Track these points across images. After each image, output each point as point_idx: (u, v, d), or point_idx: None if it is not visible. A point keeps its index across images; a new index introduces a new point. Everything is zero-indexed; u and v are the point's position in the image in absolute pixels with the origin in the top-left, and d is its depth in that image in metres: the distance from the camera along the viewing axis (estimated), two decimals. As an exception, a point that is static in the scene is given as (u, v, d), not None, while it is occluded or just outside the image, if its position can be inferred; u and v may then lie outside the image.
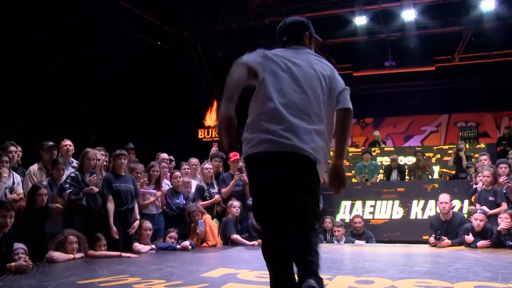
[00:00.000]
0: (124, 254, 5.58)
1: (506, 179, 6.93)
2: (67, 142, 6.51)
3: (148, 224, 6.21)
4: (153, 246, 6.20)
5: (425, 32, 13.33)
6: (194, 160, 7.87)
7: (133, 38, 12.94)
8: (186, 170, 7.63)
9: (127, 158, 6.44)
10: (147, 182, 6.66)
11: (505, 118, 15.80)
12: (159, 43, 14.13)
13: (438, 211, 7.13)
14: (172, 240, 6.43)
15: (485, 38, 13.45)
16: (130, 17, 12.59)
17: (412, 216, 8.78)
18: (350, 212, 8.94)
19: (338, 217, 8.85)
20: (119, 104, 13.29)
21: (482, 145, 11.55)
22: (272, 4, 14.36)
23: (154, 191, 6.66)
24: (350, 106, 2.81)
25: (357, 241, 7.64)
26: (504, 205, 6.84)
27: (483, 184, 7.15)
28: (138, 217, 6.22)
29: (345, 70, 15.24)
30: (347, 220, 8.70)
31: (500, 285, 3.83)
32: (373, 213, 8.89)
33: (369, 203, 8.97)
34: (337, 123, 2.82)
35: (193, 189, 7.38)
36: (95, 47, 11.86)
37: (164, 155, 7.74)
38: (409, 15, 12.50)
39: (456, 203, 8.28)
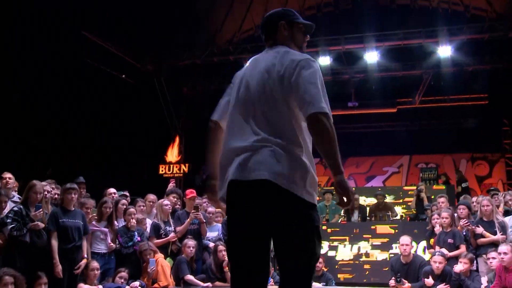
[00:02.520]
0: (66, 296, 5.20)
1: (466, 222, 6.91)
2: (7, 175, 6.17)
3: (95, 264, 5.85)
4: (100, 287, 5.83)
5: (387, 74, 13.65)
6: (151, 197, 7.57)
7: (96, 70, 12.72)
8: (142, 207, 7.32)
9: (77, 192, 6.11)
10: (95, 218, 6.33)
11: (463, 160, 16.13)
12: (123, 76, 13.94)
13: (399, 253, 7.03)
14: (122, 281, 6.06)
15: (443, 82, 13.86)
16: (94, 48, 12.41)
17: (373, 258, 8.65)
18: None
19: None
20: (79, 137, 12.92)
21: (443, 187, 11.65)
22: (237, 41, 14.50)
23: (105, 229, 6.33)
24: (316, 110, 2.29)
25: (315, 284, 7.38)
26: (463, 248, 6.80)
27: (440, 226, 7.13)
28: (85, 256, 5.85)
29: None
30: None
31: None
32: (335, 255, 8.72)
33: (328, 243, 8.81)
34: (313, 137, 2.39)
35: (148, 227, 7.07)
36: (57, 78, 11.58)
37: (112, 190, 7.41)
38: (372, 57, 12.78)
39: (416, 245, 8.20)
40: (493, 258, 6.27)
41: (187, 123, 15.09)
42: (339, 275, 8.46)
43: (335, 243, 8.80)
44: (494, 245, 6.40)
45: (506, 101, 14.49)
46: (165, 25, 12.73)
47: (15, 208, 5.49)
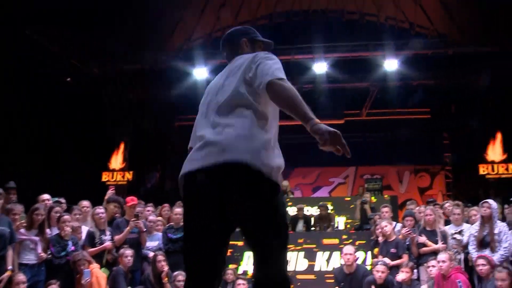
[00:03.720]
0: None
1: (408, 231, 7.00)
2: None
3: (21, 277, 5.41)
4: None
5: (336, 85, 13.80)
6: (85, 203, 7.16)
7: (38, 71, 12.14)
8: (78, 215, 6.92)
9: (2, 197, 5.69)
10: (24, 225, 5.91)
11: (406, 172, 16.53)
12: (68, 79, 13.40)
13: (343, 262, 7.00)
14: (52, 294, 5.67)
15: (389, 95, 14.19)
16: (37, 48, 11.84)
17: (317, 268, 8.57)
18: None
19: (241, 269, 8.44)
20: (18, 141, 12.25)
21: (386, 196, 11.82)
22: (187, 49, 14.31)
23: (35, 237, 5.92)
24: (271, 78, 2.34)
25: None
26: (406, 257, 6.86)
27: (383, 236, 7.17)
28: (10, 267, 5.43)
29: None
30: (250, 272, 8.31)
31: None
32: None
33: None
34: (275, 103, 2.43)
35: (83, 235, 6.69)
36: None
37: (45, 196, 6.97)
38: (320, 67, 12.88)
39: (361, 254, 8.20)
40: (433, 266, 6.36)
41: (133, 130, 14.68)
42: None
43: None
44: (436, 254, 6.48)
45: (447, 115, 15.00)
46: (112, 28, 12.36)
47: None
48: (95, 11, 11.57)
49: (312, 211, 11.04)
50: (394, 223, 7.76)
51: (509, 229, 6.53)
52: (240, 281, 7.30)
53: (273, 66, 2.41)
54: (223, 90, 2.50)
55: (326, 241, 8.47)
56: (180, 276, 6.55)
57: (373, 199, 10.89)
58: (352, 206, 10.89)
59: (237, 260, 8.44)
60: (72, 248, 6.20)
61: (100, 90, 13.75)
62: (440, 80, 14.05)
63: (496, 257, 6.23)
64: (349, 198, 11.94)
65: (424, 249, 6.84)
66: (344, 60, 13.18)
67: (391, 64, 12.97)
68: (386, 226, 7.10)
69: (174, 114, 15.87)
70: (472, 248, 6.58)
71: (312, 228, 9.80)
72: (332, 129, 2.27)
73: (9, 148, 11.78)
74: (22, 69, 11.42)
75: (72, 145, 12.97)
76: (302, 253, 8.64)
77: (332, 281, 6.99)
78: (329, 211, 10.11)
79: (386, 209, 8.14)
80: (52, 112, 12.27)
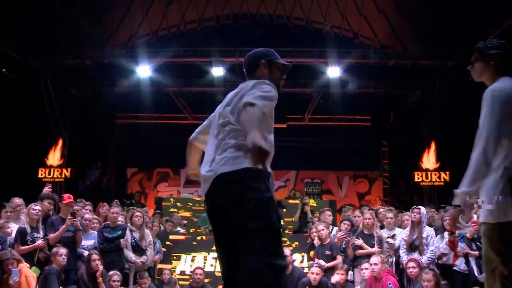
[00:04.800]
0: None
1: (343, 235, 7.21)
2: None
3: None
4: None
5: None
6: (17, 200, 6.88)
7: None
8: (8, 212, 6.63)
9: None
10: None
11: (346, 177, 16.99)
12: (3, 70, 12.79)
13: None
14: (-24, 294, 5.42)
15: (331, 102, 14.53)
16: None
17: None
18: (192, 265, 8.54)
19: (178, 269, 8.40)
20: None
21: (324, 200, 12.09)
22: (132, 46, 14.06)
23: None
24: (246, 100, 2.55)
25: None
26: (340, 258, 7.05)
27: (319, 239, 7.35)
28: None
29: (201, 120, 15.19)
30: (187, 272, 8.28)
31: None
32: (215, 265, 8.57)
33: (212, 254, 8.67)
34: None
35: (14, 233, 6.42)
36: None
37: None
38: (264, 72, 12.99)
39: (298, 257, 8.34)
40: (366, 268, 6.59)
41: (72, 126, 14.23)
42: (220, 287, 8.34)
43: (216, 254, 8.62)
44: (370, 257, 6.70)
45: (386, 124, 15.54)
46: (54, 21, 11.94)
47: None
48: (39, 2, 11.16)
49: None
50: (331, 226, 7.97)
51: (436, 234, 6.87)
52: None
53: (256, 93, 2.64)
54: (218, 131, 2.83)
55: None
56: (116, 276, 6.45)
57: (313, 202, 11.14)
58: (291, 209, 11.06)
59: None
60: None
61: (39, 84, 13.22)
62: (380, 89, 14.54)
63: (423, 260, 6.54)
64: (290, 201, 12.11)
65: (360, 251, 7.05)
66: (289, 64, 13.35)
67: (333, 71, 13.30)
68: (323, 229, 7.28)
69: (115, 111, 15.55)
70: (402, 252, 6.88)
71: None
72: (260, 145, 2.38)
73: None
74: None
75: (8, 139, 12.44)
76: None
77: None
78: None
79: (328, 212, 8.36)
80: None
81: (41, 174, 13.37)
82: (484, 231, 3.09)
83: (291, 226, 10.93)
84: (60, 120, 13.93)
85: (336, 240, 7.47)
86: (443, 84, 13.03)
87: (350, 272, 7.11)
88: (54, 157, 13.47)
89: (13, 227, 6.46)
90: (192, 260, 8.57)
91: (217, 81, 13.27)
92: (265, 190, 2.56)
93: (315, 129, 15.91)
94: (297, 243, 8.52)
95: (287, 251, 6.95)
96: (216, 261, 8.59)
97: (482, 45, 3.13)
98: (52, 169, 13.35)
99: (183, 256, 8.58)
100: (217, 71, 12.89)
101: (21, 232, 6.28)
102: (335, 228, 8.15)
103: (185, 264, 8.55)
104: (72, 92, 14.42)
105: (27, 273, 5.85)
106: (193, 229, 10.19)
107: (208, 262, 8.57)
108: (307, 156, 16.08)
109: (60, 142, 13.60)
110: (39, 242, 6.30)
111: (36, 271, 6.14)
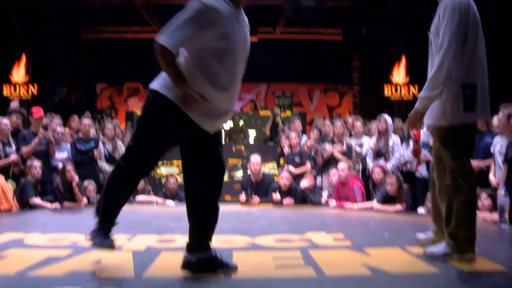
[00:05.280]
0: None
1: (313, 144, 7.49)
2: None
3: None
4: None
5: (249, 2, 13.51)
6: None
7: None
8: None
9: None
10: None
11: (316, 90, 17.13)
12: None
13: (249, 172, 7.36)
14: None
15: (304, 15, 14.24)
16: None
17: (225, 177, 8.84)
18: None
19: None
20: None
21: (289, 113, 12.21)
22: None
23: None
24: (156, 39, 2.60)
25: (168, 201, 7.40)
26: (308, 164, 7.34)
27: (289, 147, 7.60)
28: None
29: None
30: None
31: (296, 237, 4.09)
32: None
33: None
34: None
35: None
36: None
37: None
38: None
39: (269, 165, 8.53)
40: (333, 174, 6.90)
41: (36, 41, 13.67)
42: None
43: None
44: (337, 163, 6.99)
45: (357, 37, 15.45)
46: None
47: None
48: None
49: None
50: (301, 135, 8.20)
51: (402, 143, 7.16)
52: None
53: (171, 24, 2.62)
54: None
55: (236, 154, 8.72)
56: (91, 185, 6.61)
57: (284, 114, 11.33)
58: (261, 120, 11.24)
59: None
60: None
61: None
62: (352, 2, 14.28)
63: (388, 166, 6.87)
64: (261, 112, 12.25)
65: (329, 154, 7.29)
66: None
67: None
68: (294, 137, 7.50)
69: (82, 25, 14.97)
70: (369, 159, 7.19)
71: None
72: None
73: None
74: None
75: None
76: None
77: (240, 188, 7.31)
78: (241, 125, 10.35)
79: (298, 122, 8.57)
80: None
81: (6, 92, 13.02)
82: (437, 133, 3.31)
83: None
84: (22, 34, 13.32)
85: (305, 148, 7.72)
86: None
87: (319, 178, 7.46)
88: (19, 73, 13.04)
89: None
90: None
91: None
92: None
93: (287, 42, 15.72)
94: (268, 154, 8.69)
95: (257, 158, 7.11)
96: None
97: None
98: (18, 86, 12.97)
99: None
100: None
101: (-8, 145, 6.29)
102: (305, 137, 8.40)
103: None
104: (33, 5, 13.68)
105: (4, 185, 5.94)
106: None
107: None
108: (278, 69, 16.03)
109: (24, 58, 13.11)
110: (13, 156, 6.33)
111: (12, 183, 6.23)
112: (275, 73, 16.18)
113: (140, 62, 12.73)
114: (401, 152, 7.00)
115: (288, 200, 6.80)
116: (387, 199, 6.31)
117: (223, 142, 9.60)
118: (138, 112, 12.10)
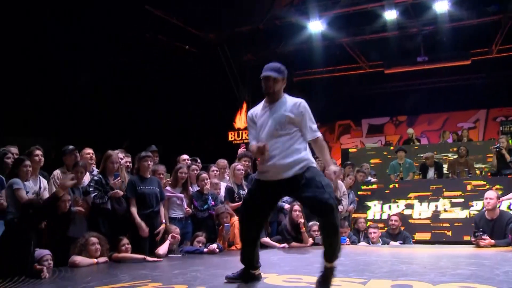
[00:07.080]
0: (148, 258, 5.37)
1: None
2: (88, 150, 6.42)
3: (174, 227, 5.99)
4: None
5: (460, 24, 12.72)
6: (222, 162, 7.61)
7: (159, 42, 12.88)
8: (215, 172, 7.36)
9: (152, 160, 6.26)
10: (169, 183, 6.49)
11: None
12: (186, 47, 13.99)
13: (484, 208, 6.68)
14: (200, 245, 6.19)
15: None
16: (155, 21, 12.49)
17: (451, 216, 8.26)
18: (381, 213, 8.58)
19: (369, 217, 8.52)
20: (149, 109, 13.28)
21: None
22: (298, 3, 14.07)
23: (181, 194, 6.46)
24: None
25: (392, 242, 7.23)
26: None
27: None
28: (163, 221, 6.01)
29: (376, 68, 14.80)
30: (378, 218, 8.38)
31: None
32: (411, 213, 8.44)
33: (404, 202, 8.54)
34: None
35: (222, 191, 7.13)
36: (122, 53, 11.87)
37: (185, 156, 7.50)
38: (441, 6, 12.00)
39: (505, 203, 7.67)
40: None
41: (253, 90, 15.01)
42: (416, 234, 8.21)
43: (413, 201, 8.49)
44: None
45: None
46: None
47: (96, 178, 5.71)
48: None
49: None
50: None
51: None
52: (372, 230, 7.39)
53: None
54: None
55: (461, 186, 8.10)
56: (315, 226, 6.79)
57: (510, 142, 10.16)
58: (488, 154, 10.30)
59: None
60: (212, 203, 6.67)
61: (217, 54, 14.14)
62: None
63: None
64: (480, 143, 11.26)
65: None
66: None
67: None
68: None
69: (291, 69, 15.91)
70: None
71: (446, 173, 9.46)
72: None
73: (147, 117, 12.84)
74: (145, 43, 12.32)
75: (197, 109, 13.73)
76: (435, 201, 8.39)
77: (473, 227, 6.70)
78: (467, 157, 9.61)
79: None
80: (176, 80, 13.08)
81: (231, 137, 14.53)
82: None
83: (487, 169, 10.24)
84: (242, 85, 14.80)
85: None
86: None
87: None
88: (241, 120, 14.45)
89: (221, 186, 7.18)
90: (382, 207, 8.61)
91: (390, 26, 12.66)
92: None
93: (506, 60, 14.10)
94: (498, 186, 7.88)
95: (493, 193, 6.44)
96: (411, 209, 8.49)
97: None
98: (240, 132, 14.40)
99: (373, 202, 8.68)
100: (390, 15, 12.25)
101: (229, 190, 6.96)
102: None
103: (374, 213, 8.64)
104: (248, 57, 15.08)
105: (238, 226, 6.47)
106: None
107: (399, 209, 8.50)
108: (498, 92, 14.55)
109: (245, 106, 14.50)
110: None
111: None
112: (495, 96, 14.74)
113: (349, 99, 12.87)
114: None
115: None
116: None
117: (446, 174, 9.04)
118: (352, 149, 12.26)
